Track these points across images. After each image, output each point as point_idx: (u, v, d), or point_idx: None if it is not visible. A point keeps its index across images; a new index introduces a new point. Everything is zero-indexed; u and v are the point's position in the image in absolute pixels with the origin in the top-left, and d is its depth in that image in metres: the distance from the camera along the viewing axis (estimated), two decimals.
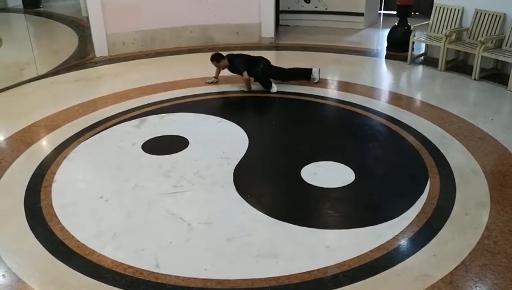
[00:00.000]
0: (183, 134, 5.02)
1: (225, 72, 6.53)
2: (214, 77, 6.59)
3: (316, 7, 9.82)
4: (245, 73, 6.17)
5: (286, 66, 6.57)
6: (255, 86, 6.31)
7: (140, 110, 5.71)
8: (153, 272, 3.08)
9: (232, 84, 6.48)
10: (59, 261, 3.19)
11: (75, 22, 10.85)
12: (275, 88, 6.24)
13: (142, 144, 4.84)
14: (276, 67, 6.51)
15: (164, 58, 7.88)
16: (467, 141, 4.76)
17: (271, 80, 6.29)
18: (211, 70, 6.58)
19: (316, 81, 6.48)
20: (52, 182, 4.17)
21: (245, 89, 6.28)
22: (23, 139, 4.98)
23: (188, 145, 4.80)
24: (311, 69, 6.54)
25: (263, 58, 6.44)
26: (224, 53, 6.50)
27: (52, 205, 3.83)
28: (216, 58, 6.38)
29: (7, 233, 3.51)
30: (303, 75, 6.54)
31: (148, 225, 3.60)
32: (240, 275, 3.05)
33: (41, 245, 3.35)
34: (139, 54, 8.04)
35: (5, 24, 11.68)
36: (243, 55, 6.46)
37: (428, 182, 4.06)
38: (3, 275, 3.08)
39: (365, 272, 3.04)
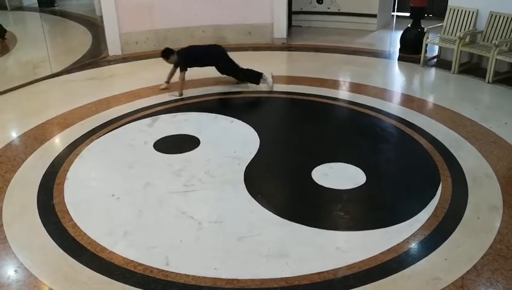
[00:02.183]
0: (195, 133, 5.04)
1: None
2: (165, 82, 6.31)
3: (328, 8, 9.80)
4: (182, 74, 5.98)
5: (297, 68, 6.54)
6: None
7: (153, 109, 5.74)
8: (163, 270, 3.09)
9: (243, 84, 6.50)
10: (71, 258, 3.22)
11: (89, 21, 10.97)
12: (269, 81, 6.14)
13: (153, 142, 4.87)
14: (234, 63, 6.30)
15: None
16: (479, 144, 4.72)
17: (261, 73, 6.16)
18: None
19: (270, 85, 6.24)
20: (64, 179, 4.21)
21: (177, 94, 6.05)
22: (37, 137, 5.03)
23: (199, 145, 4.82)
24: (261, 74, 6.27)
25: (218, 48, 6.29)
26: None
27: (64, 202, 3.87)
28: (165, 55, 6.08)
29: (20, 229, 3.55)
30: (254, 78, 6.30)
31: (159, 223, 3.62)
32: (249, 274, 3.05)
33: (53, 241, 3.39)
34: (152, 53, 8.06)
35: (20, 22, 11.84)
36: (196, 48, 6.30)
37: (440, 185, 4.03)
38: (15, 271, 3.12)
39: (375, 275, 3.03)
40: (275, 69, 6.98)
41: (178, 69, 6.13)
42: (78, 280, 3.03)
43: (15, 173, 4.32)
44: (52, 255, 3.26)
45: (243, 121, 5.34)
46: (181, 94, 6.09)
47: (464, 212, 3.65)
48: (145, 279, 3.02)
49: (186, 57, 6.17)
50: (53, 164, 4.47)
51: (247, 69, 6.33)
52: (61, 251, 3.29)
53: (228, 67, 6.34)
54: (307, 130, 5.23)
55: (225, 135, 5.08)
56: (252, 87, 6.40)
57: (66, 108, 5.73)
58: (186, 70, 6.10)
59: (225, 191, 4.01)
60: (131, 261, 3.17)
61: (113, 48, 8.07)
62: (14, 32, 9.76)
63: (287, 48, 8.55)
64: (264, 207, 3.75)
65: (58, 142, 4.95)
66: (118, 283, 2.99)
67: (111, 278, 3.03)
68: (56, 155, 4.64)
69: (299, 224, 3.54)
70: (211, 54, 6.35)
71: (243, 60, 6.46)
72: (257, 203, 3.81)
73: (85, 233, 3.47)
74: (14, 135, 5.14)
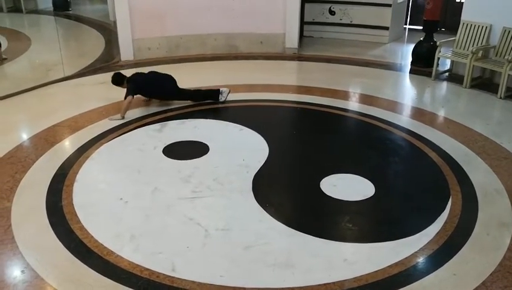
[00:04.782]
0: (204, 140, 5.05)
1: (250, 82, 6.51)
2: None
3: (341, 19, 9.82)
4: (129, 97, 5.60)
5: (308, 78, 6.52)
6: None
7: (163, 114, 5.77)
8: (169, 275, 3.09)
9: (253, 93, 6.52)
10: (77, 260, 3.22)
11: (102, 26, 11.08)
12: (225, 92, 6.04)
13: (163, 148, 4.88)
14: (183, 89, 6.07)
15: (188, 65, 7.96)
16: (490, 159, 4.68)
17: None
18: (233, 78, 6.57)
19: (222, 100, 6.11)
20: (74, 182, 4.23)
21: (119, 116, 5.58)
22: (47, 138, 5.07)
23: (208, 152, 4.82)
24: (219, 90, 6.14)
25: (169, 77, 6.04)
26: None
27: (73, 204, 3.89)
28: (115, 82, 5.90)
29: (28, 230, 3.57)
30: (211, 96, 6.14)
31: (166, 228, 3.62)
32: (255, 283, 3.04)
33: (60, 243, 3.40)
34: (163, 59, 8.14)
35: (35, 25, 12.00)
36: (145, 74, 6.08)
37: (450, 199, 4.00)
38: (22, 271, 3.13)
39: (382, 288, 3.00)
40: (285, 79, 7.00)
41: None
42: (84, 282, 3.03)
43: (25, 173, 4.35)
44: (59, 257, 3.26)
45: (252, 129, 5.34)
46: (123, 116, 5.62)
47: (473, 228, 3.61)
48: (151, 284, 3.01)
49: (137, 85, 5.86)
50: (63, 166, 4.50)
51: (202, 90, 6.25)
52: (68, 252, 3.30)
53: (185, 95, 6.09)
54: (316, 140, 5.22)
55: (234, 142, 5.08)
56: (263, 96, 6.41)
57: (77, 111, 5.78)
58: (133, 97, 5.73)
59: (233, 199, 4.00)
60: (138, 265, 3.17)
61: (126, 53, 8.13)
62: (28, 35, 9.89)
63: (298, 58, 8.56)
64: (272, 216, 3.74)
65: (68, 145, 4.98)
66: (123, 286, 2.98)
67: (117, 281, 3.03)
68: (66, 157, 4.67)
69: (306, 234, 3.52)
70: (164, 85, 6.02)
71: (254, 69, 6.46)
72: (265, 212, 3.79)
73: (92, 236, 3.48)
74: (25, 136, 5.18)
